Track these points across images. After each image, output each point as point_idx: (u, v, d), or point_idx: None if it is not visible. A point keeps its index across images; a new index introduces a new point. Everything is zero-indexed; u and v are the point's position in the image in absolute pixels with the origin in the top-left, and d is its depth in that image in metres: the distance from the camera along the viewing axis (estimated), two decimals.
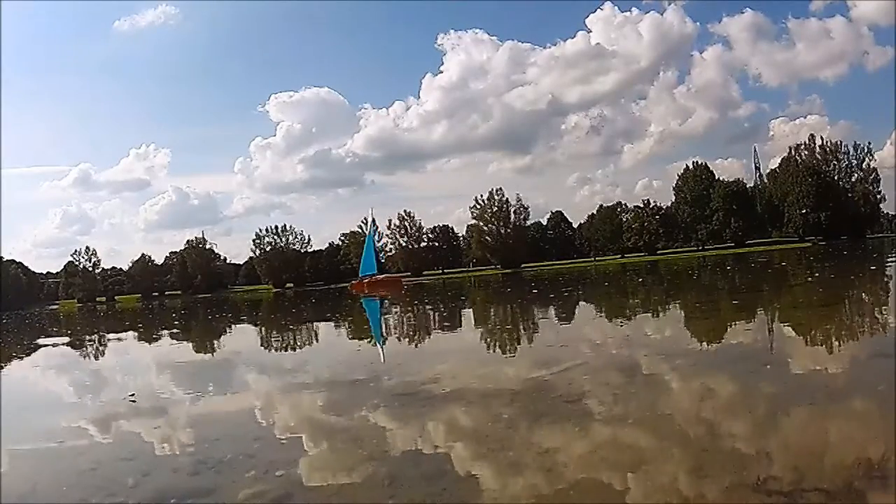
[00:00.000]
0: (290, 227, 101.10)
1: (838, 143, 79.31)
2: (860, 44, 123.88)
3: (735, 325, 8.52)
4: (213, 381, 7.25)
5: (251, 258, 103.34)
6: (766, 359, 5.56)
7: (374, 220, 65.68)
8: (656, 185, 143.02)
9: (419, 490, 2.98)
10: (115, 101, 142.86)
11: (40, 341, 16.90)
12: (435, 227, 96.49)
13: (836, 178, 77.79)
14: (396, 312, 17.89)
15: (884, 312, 8.14)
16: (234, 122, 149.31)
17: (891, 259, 22.27)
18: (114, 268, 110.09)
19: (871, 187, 77.22)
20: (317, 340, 11.96)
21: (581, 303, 15.83)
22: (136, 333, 17.41)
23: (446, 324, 13.20)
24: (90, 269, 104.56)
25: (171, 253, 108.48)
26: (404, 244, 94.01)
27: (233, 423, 4.79)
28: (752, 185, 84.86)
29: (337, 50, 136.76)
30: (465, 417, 4.31)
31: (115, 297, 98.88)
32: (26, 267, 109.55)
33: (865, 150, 78.17)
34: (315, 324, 15.64)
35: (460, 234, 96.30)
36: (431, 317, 15.03)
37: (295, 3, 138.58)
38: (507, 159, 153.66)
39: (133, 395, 6.30)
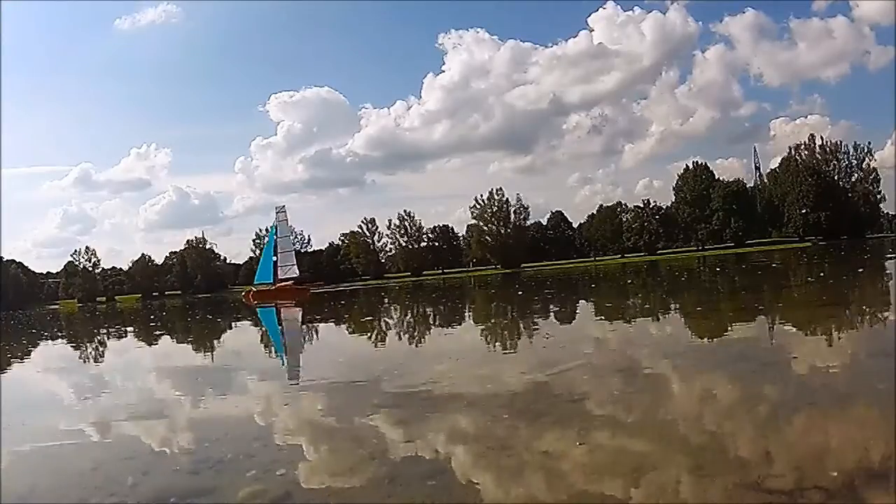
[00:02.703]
0: (290, 227, 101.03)
1: (838, 143, 79.38)
2: (862, 43, 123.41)
3: (734, 325, 8.52)
4: (204, 383, 7.25)
5: (251, 258, 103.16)
6: (766, 358, 5.57)
7: (275, 225, 54.07)
8: (657, 184, 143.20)
9: (419, 490, 2.98)
10: (115, 100, 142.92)
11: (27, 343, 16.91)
12: (435, 227, 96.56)
13: (836, 178, 77.74)
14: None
15: (883, 312, 8.14)
16: (234, 122, 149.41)
17: (890, 260, 22.26)
18: (114, 268, 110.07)
19: (871, 187, 77.16)
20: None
21: (557, 306, 15.34)
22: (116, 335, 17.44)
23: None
24: (90, 269, 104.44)
25: (171, 253, 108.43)
26: (404, 244, 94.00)
27: (234, 423, 4.78)
28: (752, 185, 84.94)
29: (338, 49, 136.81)
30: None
31: (116, 297, 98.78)
32: (26, 267, 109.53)
33: (865, 150, 78.23)
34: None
35: (460, 234, 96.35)
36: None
37: (296, 2, 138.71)
38: (507, 159, 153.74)
39: None
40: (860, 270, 17.69)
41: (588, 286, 24.08)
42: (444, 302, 21.43)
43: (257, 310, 26.64)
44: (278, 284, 49.30)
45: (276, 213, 55.74)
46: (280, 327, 16.91)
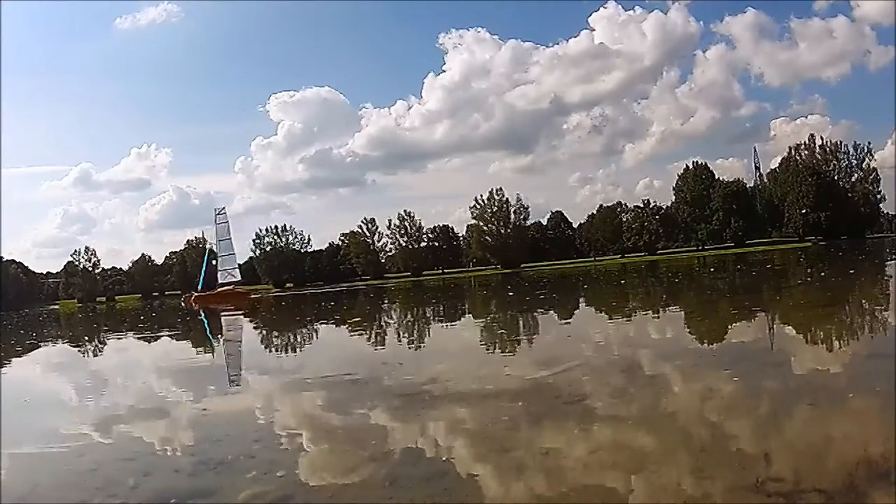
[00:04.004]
0: (290, 227, 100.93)
1: (838, 143, 79.33)
2: (863, 43, 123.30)
3: (731, 326, 8.52)
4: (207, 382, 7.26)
5: (251, 258, 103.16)
6: (766, 359, 5.57)
7: (218, 229, 52.31)
8: (657, 184, 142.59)
9: (419, 491, 2.98)
10: (115, 100, 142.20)
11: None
12: (435, 227, 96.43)
13: (836, 178, 77.74)
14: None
15: (883, 313, 8.14)
16: (234, 122, 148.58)
17: (890, 260, 22.26)
18: (114, 268, 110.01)
19: (871, 187, 77.14)
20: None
21: (544, 308, 15.08)
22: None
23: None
24: (90, 269, 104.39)
25: (171, 253, 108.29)
26: (404, 244, 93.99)
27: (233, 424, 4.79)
28: (752, 185, 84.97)
29: (338, 49, 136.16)
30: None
31: (116, 297, 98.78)
32: (26, 267, 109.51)
33: (865, 150, 78.19)
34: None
35: (460, 234, 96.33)
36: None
37: (296, 2, 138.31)
38: (508, 159, 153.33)
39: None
40: (872, 269, 17.69)
41: (581, 287, 24.02)
42: (433, 303, 21.43)
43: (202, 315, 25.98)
44: (218, 289, 47.88)
45: (216, 215, 53.39)
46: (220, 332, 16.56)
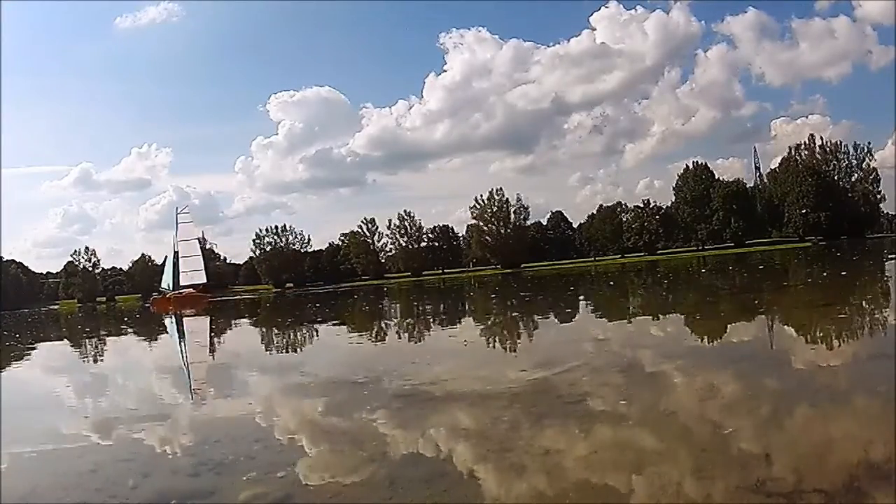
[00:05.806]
0: (290, 227, 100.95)
1: (838, 142, 79.40)
2: (864, 43, 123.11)
3: (734, 326, 8.51)
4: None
5: (251, 258, 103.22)
6: (766, 359, 5.57)
7: (181, 229, 50.63)
8: (658, 184, 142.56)
9: (419, 492, 2.98)
10: (115, 100, 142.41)
11: None
12: (435, 227, 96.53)
13: (836, 178, 77.76)
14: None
15: (883, 313, 8.14)
16: (234, 122, 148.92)
17: (890, 261, 22.24)
18: (114, 268, 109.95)
19: (871, 187, 77.15)
20: None
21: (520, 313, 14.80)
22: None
23: None
24: (90, 269, 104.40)
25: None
26: (404, 244, 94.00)
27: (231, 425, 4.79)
28: (752, 185, 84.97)
29: (338, 49, 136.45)
30: None
31: (116, 297, 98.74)
32: (26, 267, 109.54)
33: (865, 150, 78.25)
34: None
35: (460, 234, 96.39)
36: None
37: (297, 2, 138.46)
38: (509, 159, 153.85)
39: None
40: (872, 269, 17.66)
41: (581, 288, 23.96)
42: (427, 304, 21.41)
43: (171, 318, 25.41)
44: (185, 292, 46.90)
45: (178, 214, 51.14)
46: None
